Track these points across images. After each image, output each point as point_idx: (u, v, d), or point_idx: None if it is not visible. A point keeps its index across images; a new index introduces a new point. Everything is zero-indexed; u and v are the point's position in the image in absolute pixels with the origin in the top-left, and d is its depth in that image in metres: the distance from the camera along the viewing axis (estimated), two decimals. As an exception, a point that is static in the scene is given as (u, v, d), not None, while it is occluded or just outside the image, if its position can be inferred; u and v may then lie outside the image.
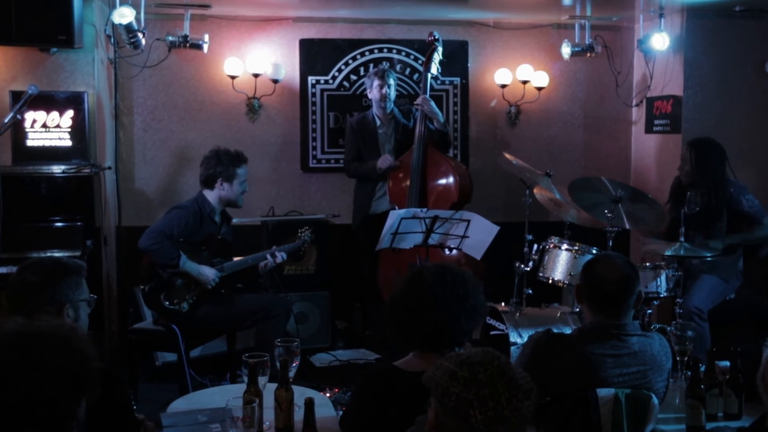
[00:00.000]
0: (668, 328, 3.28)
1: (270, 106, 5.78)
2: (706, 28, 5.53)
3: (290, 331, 4.81)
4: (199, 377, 4.66)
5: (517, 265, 4.43)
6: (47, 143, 4.82)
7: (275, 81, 5.67)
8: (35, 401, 1.54)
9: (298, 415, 2.49)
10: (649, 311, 4.24)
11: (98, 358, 1.66)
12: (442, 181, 5.15)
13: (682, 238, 3.97)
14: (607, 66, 6.02)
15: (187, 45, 5.38)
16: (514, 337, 4.15)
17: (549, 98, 6.06)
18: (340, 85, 5.84)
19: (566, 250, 4.25)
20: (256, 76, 5.59)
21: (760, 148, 5.65)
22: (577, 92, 6.14)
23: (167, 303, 4.17)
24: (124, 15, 4.79)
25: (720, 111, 5.57)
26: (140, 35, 5.03)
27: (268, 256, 4.38)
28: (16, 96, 4.65)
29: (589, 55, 5.83)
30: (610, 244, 4.17)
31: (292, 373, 2.67)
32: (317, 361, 5.28)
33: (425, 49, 5.44)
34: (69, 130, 4.83)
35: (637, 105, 6.11)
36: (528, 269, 4.42)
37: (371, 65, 5.76)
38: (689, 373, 2.89)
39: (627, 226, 4.30)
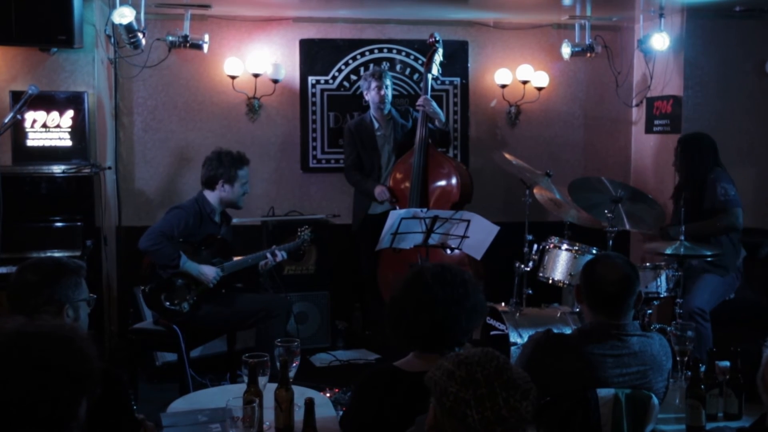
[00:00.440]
0: (668, 328, 3.28)
1: (270, 106, 5.78)
2: (706, 28, 5.53)
3: (290, 331, 4.81)
4: (199, 377, 4.65)
5: (517, 265, 4.43)
6: (47, 143, 4.82)
7: (275, 81, 5.67)
8: (36, 401, 1.54)
9: (298, 415, 2.49)
10: (649, 311, 4.24)
11: (99, 359, 1.66)
12: (444, 182, 5.15)
13: (682, 237, 3.97)
14: (607, 66, 6.02)
15: (187, 45, 5.38)
16: (514, 337, 4.15)
17: (549, 98, 6.06)
18: (340, 85, 5.84)
19: (566, 250, 4.25)
20: (256, 76, 5.59)
21: (760, 148, 5.65)
22: (577, 92, 6.14)
23: (168, 303, 4.17)
24: (124, 15, 4.80)
25: (720, 111, 5.57)
26: (140, 35, 5.03)
27: (268, 255, 4.38)
28: (16, 96, 4.65)
29: (589, 55, 5.83)
30: (610, 243, 4.17)
31: (292, 373, 2.67)
32: (317, 361, 5.29)
33: (425, 49, 5.44)
34: (69, 130, 4.83)
35: (637, 105, 6.11)
36: (528, 269, 4.42)
37: (371, 65, 5.76)
38: (689, 373, 2.88)
39: (627, 227, 4.30)
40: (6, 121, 4.13)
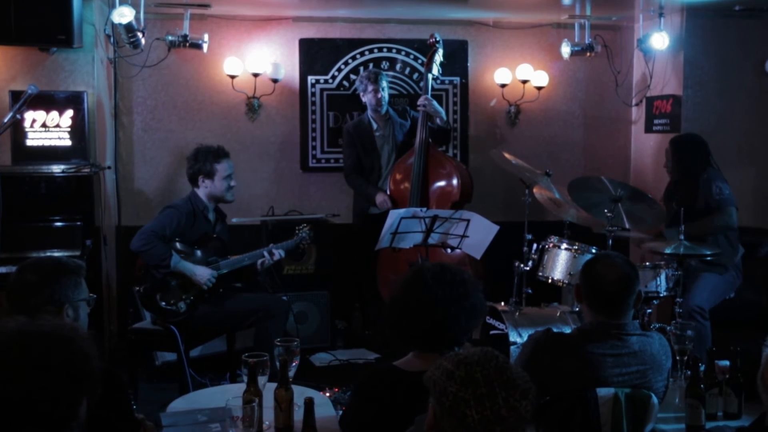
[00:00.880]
0: (668, 328, 3.28)
1: (270, 105, 5.78)
2: (706, 28, 5.53)
3: (290, 330, 4.81)
4: (199, 377, 4.65)
5: (516, 264, 4.43)
6: (47, 143, 4.82)
7: (275, 81, 5.67)
8: (37, 401, 1.54)
9: (298, 414, 2.49)
10: (649, 311, 4.24)
11: (99, 358, 1.66)
12: (445, 182, 5.13)
13: (681, 236, 3.97)
14: (606, 65, 6.02)
15: (187, 45, 5.38)
16: (513, 337, 4.15)
17: (549, 98, 6.06)
18: (340, 84, 5.84)
19: (566, 249, 4.25)
20: (255, 75, 5.59)
21: (760, 148, 5.65)
22: (577, 92, 6.15)
23: (163, 303, 4.16)
24: (124, 15, 4.79)
25: (720, 111, 5.57)
26: (140, 35, 5.03)
27: (266, 254, 4.37)
28: (15, 96, 4.65)
29: (588, 54, 5.83)
30: (610, 243, 4.17)
31: (291, 373, 2.67)
32: (317, 361, 5.29)
33: (425, 48, 5.44)
34: (69, 129, 4.83)
35: (636, 104, 6.11)
36: (527, 269, 4.41)
37: (371, 65, 5.76)
38: (689, 372, 2.88)
39: (627, 226, 4.30)
40: (5, 120, 4.13)
